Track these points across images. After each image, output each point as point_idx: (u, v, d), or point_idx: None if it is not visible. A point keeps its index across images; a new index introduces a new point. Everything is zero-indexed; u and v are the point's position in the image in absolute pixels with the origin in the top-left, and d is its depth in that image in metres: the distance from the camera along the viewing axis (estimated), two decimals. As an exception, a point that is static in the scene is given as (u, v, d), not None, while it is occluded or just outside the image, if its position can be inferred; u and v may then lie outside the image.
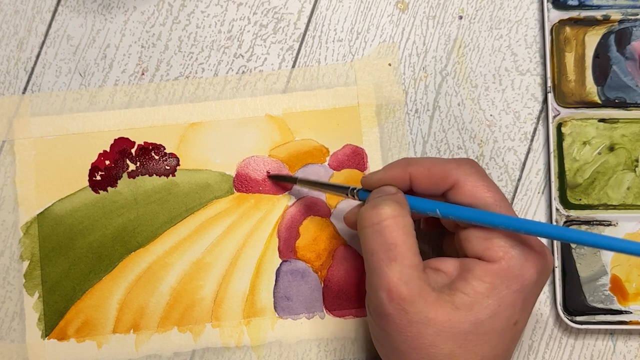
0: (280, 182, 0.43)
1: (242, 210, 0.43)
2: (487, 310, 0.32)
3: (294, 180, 0.41)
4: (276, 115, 0.43)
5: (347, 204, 0.42)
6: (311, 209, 0.43)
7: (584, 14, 0.43)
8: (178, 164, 0.43)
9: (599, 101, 0.43)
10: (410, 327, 0.32)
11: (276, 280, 0.42)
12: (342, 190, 0.38)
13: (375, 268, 0.33)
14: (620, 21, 0.43)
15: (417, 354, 0.32)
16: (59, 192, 0.43)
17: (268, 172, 0.43)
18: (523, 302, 0.33)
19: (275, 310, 0.42)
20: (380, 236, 0.33)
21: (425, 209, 0.35)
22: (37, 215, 0.43)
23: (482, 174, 0.35)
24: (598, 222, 0.42)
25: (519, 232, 0.32)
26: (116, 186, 0.43)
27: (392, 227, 0.33)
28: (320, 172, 0.43)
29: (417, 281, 0.32)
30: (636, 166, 0.42)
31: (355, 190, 0.37)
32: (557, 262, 0.41)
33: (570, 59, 0.43)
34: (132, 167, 0.43)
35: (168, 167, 0.43)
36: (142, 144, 0.43)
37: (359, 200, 0.37)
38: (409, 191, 0.36)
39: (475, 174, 0.34)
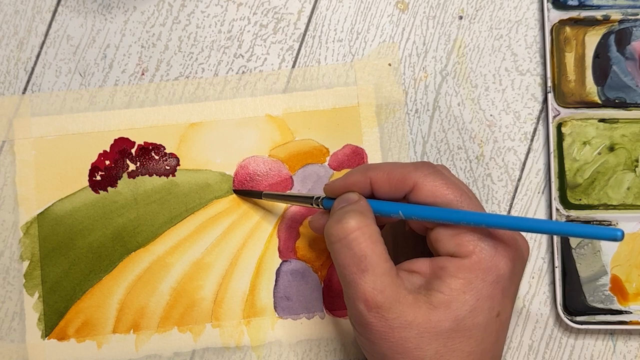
0: (247, 197, 0.43)
1: (242, 210, 0.43)
2: (465, 306, 0.32)
3: (258, 195, 0.41)
4: (276, 115, 0.43)
5: (347, 204, 0.42)
6: (311, 209, 0.43)
7: (584, 14, 0.43)
8: (178, 164, 0.43)
9: (599, 101, 0.43)
10: (392, 332, 0.32)
11: (276, 280, 0.42)
12: (306, 200, 0.39)
13: (349, 281, 0.33)
14: (620, 21, 0.43)
15: (403, 358, 0.33)
16: (59, 192, 0.43)
17: (234, 188, 0.43)
18: (502, 293, 0.33)
19: (275, 310, 0.42)
20: (349, 249, 0.33)
21: (389, 212, 0.35)
22: (37, 215, 0.43)
23: (441, 174, 0.35)
24: (598, 222, 0.42)
25: (477, 226, 0.33)
26: (116, 186, 0.43)
27: (359, 238, 0.33)
28: (320, 172, 0.43)
29: (392, 287, 0.33)
30: (636, 166, 0.42)
31: (319, 199, 0.38)
32: (558, 262, 0.41)
33: (570, 59, 0.43)
34: (132, 167, 0.43)
35: (168, 167, 0.43)
36: (142, 144, 0.43)
37: (324, 208, 0.38)
38: (371, 196, 0.36)
39: (434, 174, 0.34)
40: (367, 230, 0.33)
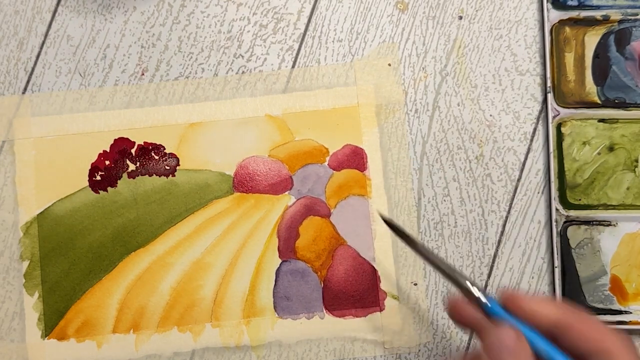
0: (396, 232, 0.38)
1: (242, 210, 0.43)
2: None
3: (411, 242, 0.37)
4: (276, 115, 0.44)
5: (347, 204, 0.42)
6: (311, 209, 0.43)
7: (583, 14, 0.43)
8: (178, 164, 0.43)
9: (599, 101, 0.43)
10: None
11: (276, 280, 0.42)
12: (465, 287, 0.33)
13: None
14: (620, 21, 0.43)
15: None
16: (59, 192, 0.43)
17: (382, 217, 0.40)
18: None
19: (275, 310, 0.42)
20: None
21: None
22: (37, 215, 0.43)
23: (635, 355, 0.32)
24: (597, 222, 0.42)
25: None
26: (116, 186, 0.43)
27: None
28: (320, 172, 0.43)
29: None
30: (636, 166, 0.42)
31: (482, 297, 0.33)
32: (557, 262, 0.42)
33: (570, 59, 0.43)
34: (132, 167, 0.43)
35: (168, 167, 0.43)
36: (142, 144, 0.43)
37: (484, 310, 0.33)
38: (549, 333, 0.33)
39: (630, 353, 0.32)
40: None
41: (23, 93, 0.44)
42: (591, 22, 0.43)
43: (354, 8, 0.45)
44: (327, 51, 0.44)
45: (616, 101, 0.43)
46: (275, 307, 0.42)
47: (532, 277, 0.42)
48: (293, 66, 0.44)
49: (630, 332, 0.42)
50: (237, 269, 0.42)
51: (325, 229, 0.43)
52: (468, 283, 0.33)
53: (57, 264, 0.42)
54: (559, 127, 0.43)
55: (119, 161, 0.43)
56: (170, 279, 0.42)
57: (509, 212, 0.43)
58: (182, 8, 0.45)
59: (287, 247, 0.42)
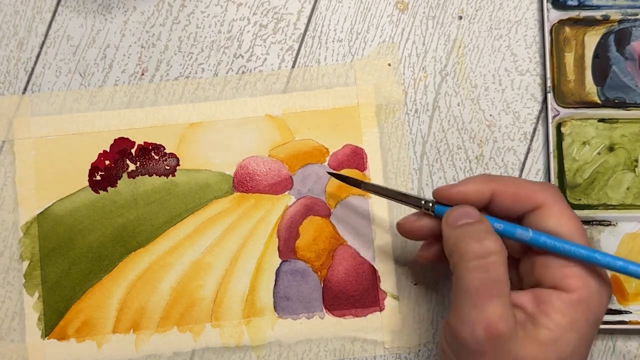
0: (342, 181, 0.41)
1: (242, 210, 0.43)
2: (570, 346, 0.32)
3: (358, 183, 0.39)
4: (276, 115, 0.44)
5: (347, 204, 0.42)
6: (311, 209, 0.43)
7: (583, 14, 0.43)
8: (178, 164, 0.43)
9: (599, 101, 0.43)
10: None
11: (276, 280, 0.42)
12: (413, 200, 0.37)
13: (475, 303, 0.32)
14: (620, 21, 0.43)
15: None
16: (59, 192, 0.43)
17: (328, 171, 0.42)
18: (595, 333, 0.33)
19: (275, 310, 0.42)
20: (486, 272, 0.32)
21: (514, 235, 0.33)
22: (37, 215, 0.43)
23: (565, 200, 0.34)
24: (598, 222, 0.42)
25: (619, 272, 0.32)
26: (116, 186, 0.43)
27: (498, 263, 0.32)
28: (320, 172, 0.43)
29: (512, 318, 0.32)
30: (636, 166, 0.42)
31: (430, 204, 0.36)
32: (557, 262, 0.42)
33: (569, 59, 0.43)
34: (132, 167, 0.43)
35: (168, 167, 0.43)
36: (142, 144, 0.43)
37: (434, 214, 0.36)
38: (484, 208, 0.35)
39: (561, 199, 0.34)
40: (504, 256, 0.32)
41: (23, 93, 0.44)
42: (591, 22, 0.43)
43: (354, 8, 0.45)
44: (327, 51, 0.44)
45: (616, 101, 0.43)
46: (275, 307, 0.42)
47: (532, 277, 0.42)
48: (293, 66, 0.44)
49: (630, 332, 0.42)
50: (237, 269, 0.42)
51: (325, 229, 0.43)
52: (421, 199, 0.36)
53: (57, 264, 0.42)
54: (559, 127, 0.43)
55: (119, 161, 0.43)
56: (170, 279, 0.42)
57: (509, 212, 0.43)
58: (182, 8, 0.45)
59: (287, 247, 0.42)
